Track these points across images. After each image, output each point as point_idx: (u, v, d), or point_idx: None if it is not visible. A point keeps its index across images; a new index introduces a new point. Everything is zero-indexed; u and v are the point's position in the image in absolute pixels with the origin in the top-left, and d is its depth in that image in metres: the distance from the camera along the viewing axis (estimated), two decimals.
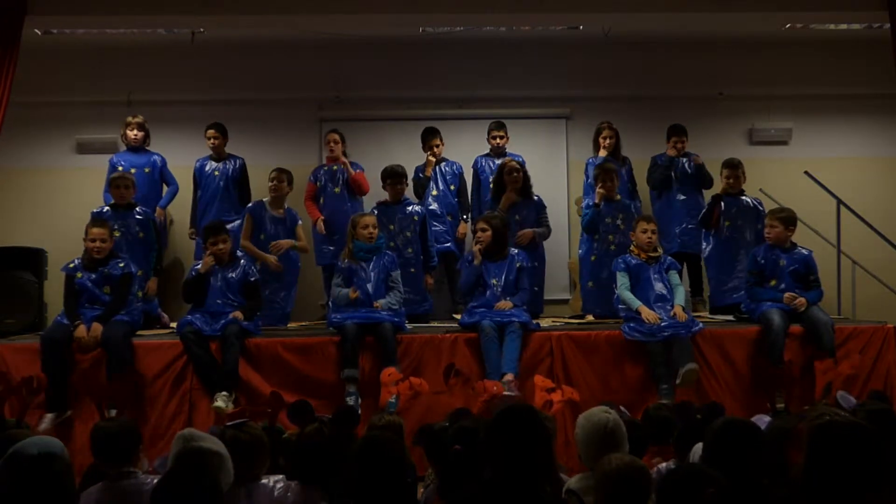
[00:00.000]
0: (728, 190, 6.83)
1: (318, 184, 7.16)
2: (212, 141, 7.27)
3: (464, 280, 6.15)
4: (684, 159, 7.30)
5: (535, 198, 6.81)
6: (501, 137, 7.29)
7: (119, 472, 3.24)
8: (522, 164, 6.97)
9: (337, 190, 7.13)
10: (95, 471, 3.47)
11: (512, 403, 3.90)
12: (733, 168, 6.84)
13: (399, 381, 5.19)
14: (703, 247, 6.97)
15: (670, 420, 4.07)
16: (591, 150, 7.48)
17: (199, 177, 7.30)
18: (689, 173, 7.27)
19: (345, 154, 7.26)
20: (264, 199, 6.81)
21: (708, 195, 7.12)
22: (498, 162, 7.16)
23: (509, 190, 6.70)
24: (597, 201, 6.69)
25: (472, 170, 7.36)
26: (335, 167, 7.17)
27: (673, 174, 7.28)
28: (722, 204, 6.74)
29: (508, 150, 7.36)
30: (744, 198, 6.86)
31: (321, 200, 7.16)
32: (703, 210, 6.85)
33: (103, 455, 3.33)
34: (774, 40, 7.95)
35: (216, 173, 7.27)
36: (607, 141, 7.30)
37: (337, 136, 7.23)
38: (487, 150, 7.38)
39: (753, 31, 7.76)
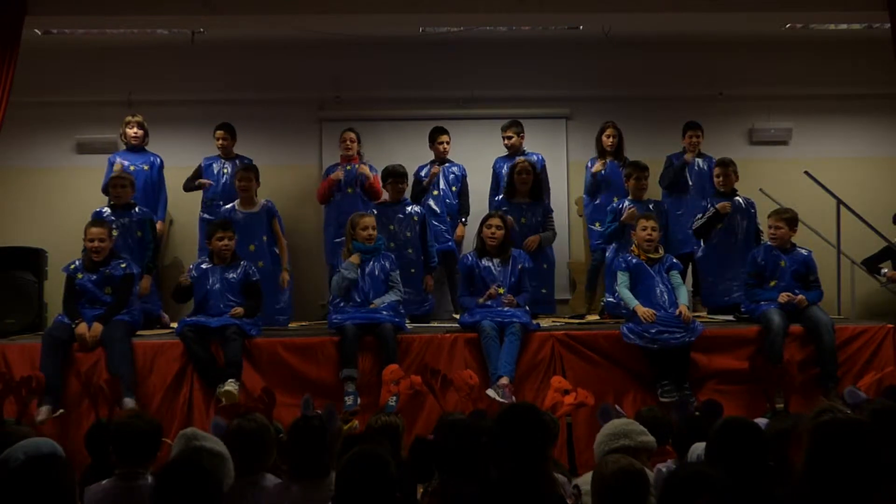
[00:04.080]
0: (719, 189, 6.83)
1: (339, 170, 7.13)
2: (220, 142, 7.29)
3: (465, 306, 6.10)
4: (700, 160, 7.31)
5: (545, 201, 6.80)
6: (510, 137, 7.29)
7: (129, 472, 3.22)
8: (538, 164, 7.04)
9: (350, 190, 7.13)
10: (95, 470, 3.47)
11: (515, 403, 3.92)
12: (724, 167, 6.83)
13: (400, 380, 5.18)
14: (695, 249, 6.97)
15: (663, 421, 4.08)
16: (592, 150, 7.46)
17: (206, 176, 7.28)
18: (706, 173, 7.27)
19: (359, 154, 7.26)
20: (235, 202, 6.76)
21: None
22: (514, 161, 7.17)
23: (520, 190, 6.68)
24: (623, 218, 6.55)
25: (491, 170, 7.37)
26: (349, 167, 7.17)
27: (688, 176, 7.29)
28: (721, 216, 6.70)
29: (527, 150, 7.37)
30: (736, 198, 6.86)
31: (333, 198, 7.17)
32: (701, 222, 6.73)
33: (122, 452, 3.27)
34: (774, 40, 7.94)
35: (225, 171, 7.26)
36: (611, 140, 7.29)
37: (353, 136, 7.23)
38: (498, 150, 7.40)
39: (753, 31, 7.75)
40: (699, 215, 6.77)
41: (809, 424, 2.66)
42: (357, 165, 7.16)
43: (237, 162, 7.32)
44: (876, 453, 2.55)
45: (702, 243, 6.86)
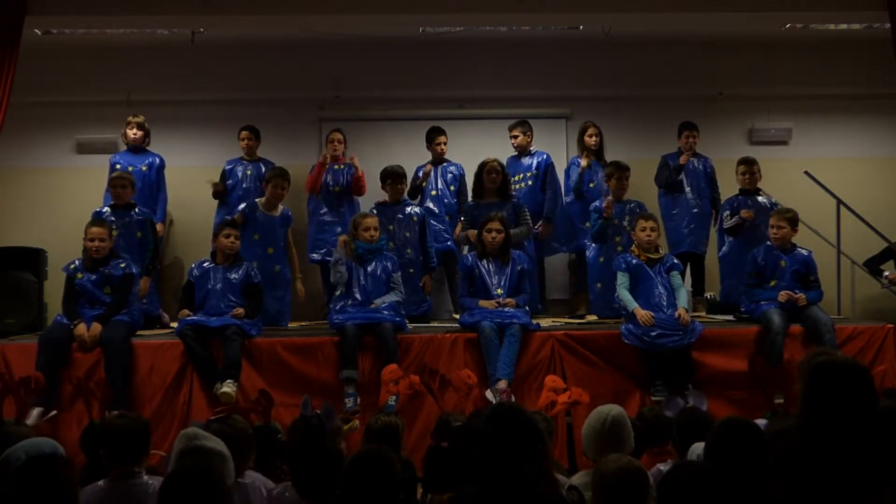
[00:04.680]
0: (744, 187, 6.85)
1: (324, 155, 7.16)
2: (245, 142, 7.33)
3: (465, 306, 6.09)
4: (695, 160, 7.31)
5: (514, 199, 6.78)
6: (516, 137, 7.28)
7: (123, 472, 3.22)
8: (543, 164, 7.13)
9: (337, 189, 7.14)
10: (91, 471, 3.46)
11: (499, 404, 3.90)
12: (749, 165, 6.87)
13: (399, 379, 5.18)
14: (720, 247, 6.98)
15: (665, 421, 4.08)
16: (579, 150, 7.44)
17: (230, 178, 7.28)
18: (700, 172, 7.29)
19: (343, 155, 7.28)
20: (258, 200, 6.80)
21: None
22: (521, 161, 7.22)
23: (489, 189, 6.68)
24: (606, 215, 6.53)
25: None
26: (336, 166, 7.18)
27: (683, 176, 7.29)
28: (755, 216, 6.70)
29: (535, 148, 7.36)
30: (760, 198, 6.87)
31: (318, 196, 7.17)
32: (731, 224, 6.76)
33: (113, 453, 3.27)
34: (774, 40, 7.94)
35: (248, 172, 7.28)
36: (593, 139, 7.29)
37: (341, 136, 7.25)
38: (493, 151, 7.39)
39: (753, 31, 7.75)
40: (727, 213, 6.81)
41: (806, 366, 2.66)
42: (343, 165, 7.18)
43: (260, 164, 7.34)
44: (873, 394, 2.56)
45: (726, 241, 6.89)
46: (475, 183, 6.75)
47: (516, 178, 7.16)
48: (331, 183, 7.14)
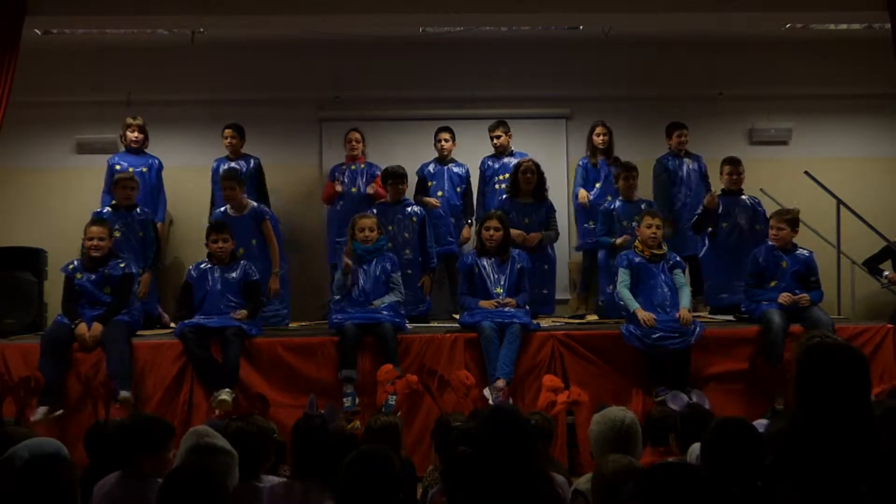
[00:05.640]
0: (730, 187, 6.84)
1: (337, 182, 7.16)
2: (228, 140, 7.29)
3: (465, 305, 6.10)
4: (689, 160, 7.30)
5: (547, 201, 6.82)
6: (498, 137, 7.29)
7: (133, 471, 3.21)
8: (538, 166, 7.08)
9: (354, 190, 7.15)
10: (93, 471, 3.46)
11: (496, 406, 3.88)
12: (735, 165, 6.86)
13: (396, 379, 5.17)
14: (701, 248, 6.98)
15: (671, 421, 4.07)
16: (588, 150, 7.46)
17: (216, 176, 7.24)
18: (695, 173, 7.29)
19: (364, 154, 7.28)
20: (226, 206, 6.70)
21: None
22: (503, 161, 7.23)
23: (524, 190, 6.71)
24: (617, 243, 6.53)
25: (478, 171, 7.39)
26: (354, 167, 7.18)
27: (679, 175, 7.31)
28: (720, 205, 6.71)
29: (515, 150, 7.37)
30: (742, 197, 6.87)
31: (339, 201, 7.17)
32: (697, 217, 6.78)
33: (128, 451, 3.26)
34: (774, 40, 7.94)
35: None
36: (601, 138, 7.29)
37: (359, 135, 7.28)
38: (493, 151, 7.40)
39: (753, 31, 7.75)
40: (697, 213, 6.83)
41: (800, 348, 2.67)
42: (363, 164, 7.21)
43: (244, 162, 7.31)
44: (866, 375, 2.56)
45: (706, 241, 6.88)
46: (511, 182, 6.80)
47: (499, 179, 7.19)
48: (347, 183, 7.13)
